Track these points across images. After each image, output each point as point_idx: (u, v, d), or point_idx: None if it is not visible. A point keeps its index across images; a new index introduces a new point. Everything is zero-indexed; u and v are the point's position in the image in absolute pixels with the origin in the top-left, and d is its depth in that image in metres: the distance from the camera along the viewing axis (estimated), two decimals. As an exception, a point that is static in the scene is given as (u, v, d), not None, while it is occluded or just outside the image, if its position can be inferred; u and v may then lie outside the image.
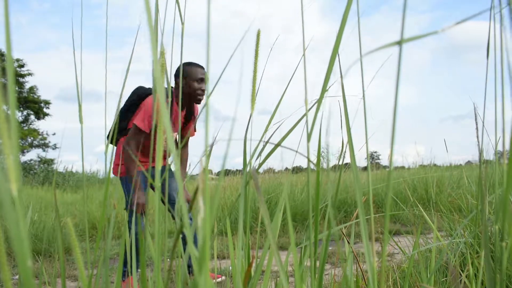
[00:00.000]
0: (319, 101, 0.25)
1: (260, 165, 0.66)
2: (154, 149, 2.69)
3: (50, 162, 19.97)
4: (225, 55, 0.69)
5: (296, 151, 0.56)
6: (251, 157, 0.63)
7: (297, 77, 0.74)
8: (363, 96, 0.54)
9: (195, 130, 3.07)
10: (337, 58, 0.48)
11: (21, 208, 0.22)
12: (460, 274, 1.42)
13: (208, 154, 0.26)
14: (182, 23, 0.70)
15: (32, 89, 21.18)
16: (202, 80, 2.73)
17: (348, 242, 0.95)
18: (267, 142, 0.63)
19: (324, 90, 0.25)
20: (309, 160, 0.48)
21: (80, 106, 0.59)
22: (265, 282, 0.70)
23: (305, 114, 0.53)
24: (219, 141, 0.38)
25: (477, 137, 0.86)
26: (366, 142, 0.53)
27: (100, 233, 0.62)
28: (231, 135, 0.39)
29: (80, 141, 0.63)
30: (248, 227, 0.70)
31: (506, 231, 0.44)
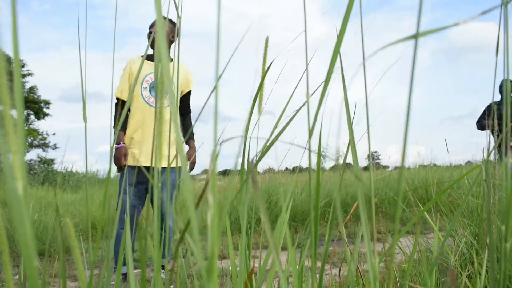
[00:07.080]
0: (321, 98, 0.25)
1: (258, 161, 0.66)
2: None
3: (50, 162, 19.94)
4: (226, 55, 0.69)
5: (305, 147, 0.56)
6: (261, 156, 0.63)
7: (296, 77, 0.74)
8: (366, 96, 0.54)
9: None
10: (338, 58, 0.48)
11: (26, 207, 0.22)
12: (461, 274, 1.42)
13: (216, 155, 0.26)
14: (179, 17, 0.70)
15: (32, 89, 21.16)
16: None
17: (347, 243, 0.95)
18: (274, 141, 0.63)
19: (326, 86, 0.25)
20: (310, 158, 0.48)
21: (84, 104, 0.59)
22: (269, 283, 0.70)
23: (297, 111, 0.53)
24: (227, 140, 0.38)
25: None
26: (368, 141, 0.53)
27: (100, 232, 0.62)
28: (237, 134, 0.39)
29: (84, 141, 0.63)
30: (251, 227, 0.70)
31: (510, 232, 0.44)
